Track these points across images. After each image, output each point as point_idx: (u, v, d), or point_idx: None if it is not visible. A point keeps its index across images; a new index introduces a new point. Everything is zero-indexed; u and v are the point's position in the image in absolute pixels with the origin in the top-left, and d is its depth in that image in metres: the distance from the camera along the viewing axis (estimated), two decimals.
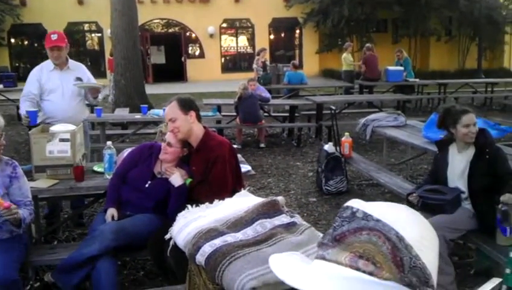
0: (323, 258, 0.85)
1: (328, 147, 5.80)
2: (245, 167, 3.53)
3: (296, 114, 9.76)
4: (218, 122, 8.45)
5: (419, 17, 20.88)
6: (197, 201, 2.52)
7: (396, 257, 0.79)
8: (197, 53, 24.26)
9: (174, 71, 21.91)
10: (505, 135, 5.00)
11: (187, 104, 3.12)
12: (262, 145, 8.47)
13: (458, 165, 3.33)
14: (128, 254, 3.25)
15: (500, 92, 14.06)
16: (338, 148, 5.86)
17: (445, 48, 23.12)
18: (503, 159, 3.23)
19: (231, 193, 2.76)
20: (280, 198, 2.17)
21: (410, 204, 3.29)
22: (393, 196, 4.88)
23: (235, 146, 8.16)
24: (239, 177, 3.17)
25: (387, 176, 5.04)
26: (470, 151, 3.29)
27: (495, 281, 1.82)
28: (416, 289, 0.79)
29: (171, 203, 3.04)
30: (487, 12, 20.43)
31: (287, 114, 9.84)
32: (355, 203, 0.88)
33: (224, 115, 9.12)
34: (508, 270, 2.36)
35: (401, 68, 12.22)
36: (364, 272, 0.79)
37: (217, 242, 1.90)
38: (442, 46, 23.00)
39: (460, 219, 3.19)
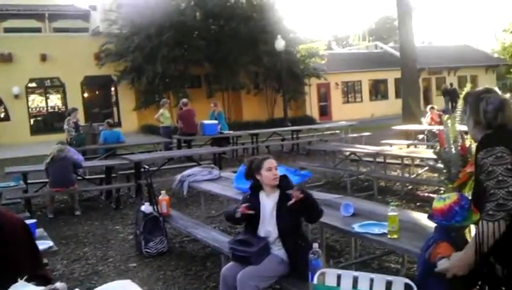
0: None
1: (145, 207, 5.66)
2: (45, 244, 3.20)
3: (115, 174, 9.40)
4: (25, 191, 7.69)
5: (228, 73, 22.37)
6: None
7: None
8: (2, 115, 22.18)
9: None
10: (306, 179, 5.47)
11: None
12: (77, 212, 7.88)
13: (267, 207, 3.56)
14: None
15: (305, 138, 15.57)
16: (156, 207, 5.75)
17: (255, 99, 25.05)
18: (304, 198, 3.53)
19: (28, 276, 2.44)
20: (60, 285, 1.97)
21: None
22: (213, 250, 4.93)
23: (50, 216, 7.52)
24: (35, 257, 2.84)
25: (204, 230, 5.08)
26: (276, 194, 3.56)
27: None
28: None
29: None
30: (288, 66, 22.78)
31: (104, 175, 9.41)
32: None
33: (32, 183, 8.34)
34: None
35: (215, 121, 12.76)
36: None
37: None
38: (252, 98, 24.87)
39: (270, 267, 3.33)
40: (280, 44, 20.47)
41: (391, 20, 47.77)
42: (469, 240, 2.39)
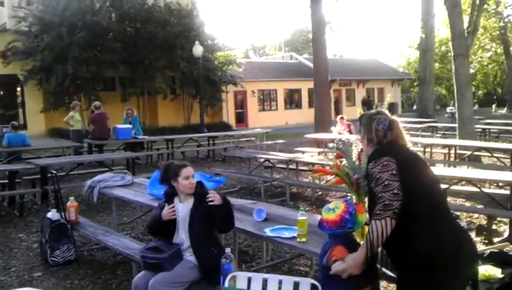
0: None
1: (52, 214, 5.39)
2: None
3: (19, 180, 8.86)
4: None
5: (144, 77, 21.93)
6: None
7: None
8: None
9: None
10: (220, 185, 5.51)
11: None
12: None
13: (181, 214, 3.55)
14: None
15: (221, 144, 15.65)
16: (63, 214, 5.51)
17: (171, 105, 24.75)
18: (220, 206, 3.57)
19: None
20: None
21: None
22: (124, 258, 4.81)
23: None
24: None
25: (115, 237, 4.94)
26: (191, 201, 3.56)
27: None
28: None
29: None
30: (205, 73, 22.79)
31: (8, 180, 8.83)
32: None
33: None
34: None
35: (130, 126, 12.45)
36: None
37: None
38: (169, 104, 24.56)
39: (182, 272, 3.33)
40: (198, 50, 20.45)
41: (306, 32, 49.40)
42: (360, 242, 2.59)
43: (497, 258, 2.88)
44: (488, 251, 3.03)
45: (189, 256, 3.48)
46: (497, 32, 34.14)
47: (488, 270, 2.74)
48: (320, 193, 8.73)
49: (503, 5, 28.45)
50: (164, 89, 23.29)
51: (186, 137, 14.70)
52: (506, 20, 31.25)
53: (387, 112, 2.68)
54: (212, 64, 24.59)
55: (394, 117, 2.60)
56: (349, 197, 3.24)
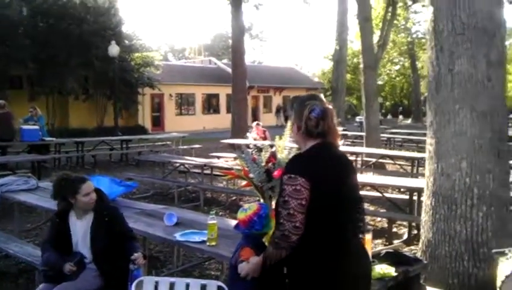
0: None
1: None
2: None
3: None
4: None
5: (55, 76, 20.85)
6: None
7: None
8: None
9: None
10: (132, 189, 5.41)
11: None
12: None
13: (80, 231, 3.36)
14: None
15: (135, 148, 15.29)
16: None
17: (84, 106, 23.76)
18: (121, 218, 3.47)
19: None
20: None
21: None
22: (27, 265, 4.58)
23: None
24: None
25: (17, 245, 4.68)
26: (90, 216, 3.37)
27: None
28: None
29: None
30: (121, 74, 22.13)
31: None
32: None
33: None
34: None
35: (37, 127, 11.80)
36: None
37: None
38: (81, 105, 23.57)
39: (86, 280, 3.21)
40: (113, 50, 19.82)
41: (226, 38, 49.78)
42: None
43: (392, 258, 3.10)
44: (384, 251, 3.25)
45: (93, 265, 3.34)
46: (406, 47, 36.53)
47: (383, 269, 2.94)
48: (234, 197, 8.82)
49: (412, 22, 30.56)
50: (76, 89, 22.30)
51: (98, 140, 14.20)
52: (414, 35, 33.56)
53: (322, 96, 2.43)
54: (128, 65, 23.96)
55: (328, 105, 2.36)
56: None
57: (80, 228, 3.35)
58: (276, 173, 3.05)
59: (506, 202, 4.28)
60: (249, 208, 2.64)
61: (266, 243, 2.74)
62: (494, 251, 3.70)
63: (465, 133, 4.02)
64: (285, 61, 51.19)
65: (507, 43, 47.98)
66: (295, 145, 2.56)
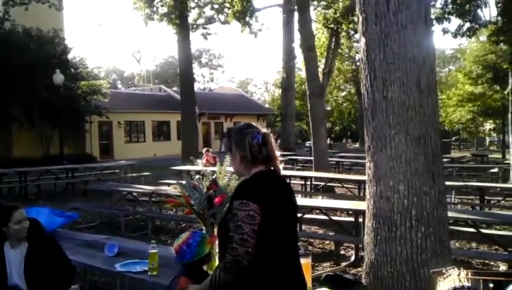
0: None
1: None
2: None
3: None
4: None
5: None
6: None
7: None
8: None
9: None
10: (71, 220, 5.25)
11: None
12: None
13: (14, 261, 3.23)
14: None
15: (82, 177, 14.86)
16: None
17: (28, 135, 22.95)
18: (57, 248, 3.36)
19: None
20: None
21: None
22: None
23: None
24: None
25: None
26: (24, 246, 3.25)
27: None
28: None
29: None
30: (67, 102, 21.60)
31: None
32: None
33: None
34: None
35: None
36: None
37: None
38: (26, 134, 22.77)
39: None
40: (58, 78, 19.39)
41: (175, 65, 49.80)
42: (205, 270, 2.65)
43: (332, 281, 3.17)
44: (324, 275, 3.30)
45: None
46: (350, 74, 37.77)
47: None
48: (184, 225, 8.71)
49: (355, 50, 31.71)
50: (20, 118, 21.59)
51: (42, 169, 13.74)
52: (358, 63, 34.78)
53: (255, 123, 2.47)
54: (75, 93, 23.47)
55: (265, 130, 2.41)
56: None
57: (14, 258, 3.24)
58: (217, 200, 3.08)
59: (444, 221, 4.44)
60: (180, 237, 2.64)
61: (209, 271, 2.73)
62: (432, 270, 3.82)
63: (400, 157, 4.18)
64: (235, 88, 51.57)
65: (445, 69, 50.56)
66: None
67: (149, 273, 3.30)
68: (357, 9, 4.46)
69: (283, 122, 26.81)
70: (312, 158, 13.37)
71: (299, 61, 29.50)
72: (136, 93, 36.67)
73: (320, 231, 8.13)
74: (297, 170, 15.54)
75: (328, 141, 25.16)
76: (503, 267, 5.68)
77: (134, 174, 14.93)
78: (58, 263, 3.28)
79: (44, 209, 4.54)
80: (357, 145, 39.61)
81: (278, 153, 2.43)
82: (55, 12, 21.07)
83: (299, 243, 6.32)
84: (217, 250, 2.68)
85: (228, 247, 2.18)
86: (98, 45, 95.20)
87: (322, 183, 11.45)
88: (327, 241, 7.37)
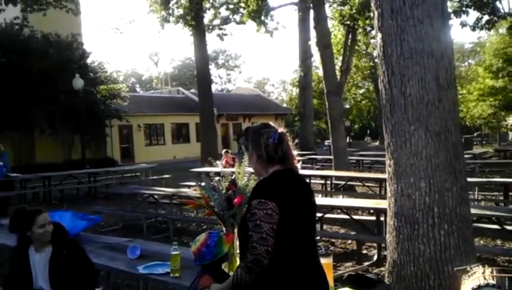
0: None
1: None
2: None
3: None
4: None
5: (21, 110, 20.49)
6: None
7: None
8: None
9: None
10: (94, 223, 5.32)
11: None
12: None
13: (39, 264, 3.28)
14: None
15: (103, 180, 15.05)
16: None
17: (50, 140, 23.33)
18: (81, 252, 3.41)
19: None
20: None
21: None
22: None
23: None
24: None
25: None
26: (48, 250, 3.30)
27: None
28: None
29: None
30: (87, 107, 21.89)
31: None
32: None
33: None
34: None
35: (1, 163, 11.52)
36: None
37: None
38: (47, 139, 23.15)
39: None
40: (78, 83, 19.61)
41: (193, 67, 50.04)
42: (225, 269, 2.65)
43: (354, 281, 3.14)
44: (347, 274, 3.28)
45: None
46: (368, 71, 37.42)
47: None
48: (205, 226, 8.74)
49: (372, 47, 31.42)
50: (42, 124, 21.95)
51: (65, 174, 13.95)
52: (375, 60, 34.42)
53: (272, 123, 2.49)
54: (94, 97, 23.78)
55: (282, 129, 2.43)
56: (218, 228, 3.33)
57: (39, 262, 3.29)
58: (236, 200, 3.08)
59: (467, 218, 4.36)
60: (198, 240, 2.65)
61: (226, 270, 2.74)
62: (456, 268, 3.76)
63: (421, 153, 4.12)
64: (253, 89, 51.60)
65: (465, 64, 49.74)
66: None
67: (171, 275, 3.32)
68: (372, 4, 4.40)
69: (301, 122, 26.74)
70: (331, 157, 13.29)
71: (316, 59, 29.35)
72: (154, 96, 36.98)
73: (342, 231, 8.08)
74: (317, 169, 15.44)
75: (348, 140, 25.05)
76: None
77: (154, 177, 15.05)
78: (82, 266, 3.32)
79: (68, 213, 4.61)
80: (376, 143, 39.27)
81: (295, 152, 2.45)
82: (72, 17, 21.41)
83: (320, 243, 6.33)
84: (238, 251, 2.69)
85: (248, 246, 2.19)
86: (116, 49, 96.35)
87: (343, 182, 11.36)
88: (349, 241, 7.31)
